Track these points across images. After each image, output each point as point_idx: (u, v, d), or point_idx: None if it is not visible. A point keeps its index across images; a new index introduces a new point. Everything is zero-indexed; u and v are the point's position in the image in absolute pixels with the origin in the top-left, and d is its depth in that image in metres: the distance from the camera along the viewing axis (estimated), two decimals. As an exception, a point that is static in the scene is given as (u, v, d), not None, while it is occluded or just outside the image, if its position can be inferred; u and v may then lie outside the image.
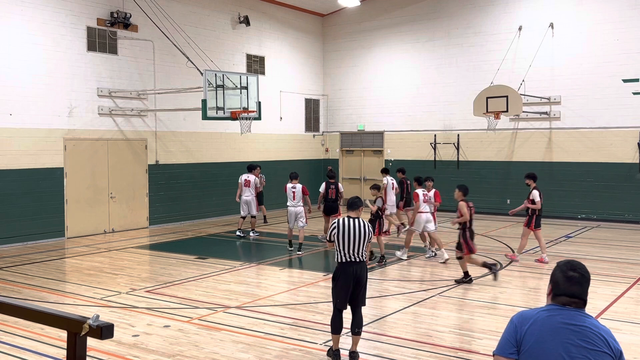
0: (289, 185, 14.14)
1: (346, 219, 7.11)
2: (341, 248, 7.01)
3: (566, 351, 3.06)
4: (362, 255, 7.07)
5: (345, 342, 7.39)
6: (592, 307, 9.06)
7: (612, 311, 9.00)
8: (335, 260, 7.16)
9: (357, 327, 7.07)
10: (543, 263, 12.39)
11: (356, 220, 7.10)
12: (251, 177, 16.27)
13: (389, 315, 8.84)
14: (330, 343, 7.21)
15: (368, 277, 7.40)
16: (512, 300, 9.58)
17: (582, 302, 3.23)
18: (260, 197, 17.17)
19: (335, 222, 7.15)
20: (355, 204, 7.26)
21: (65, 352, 2.85)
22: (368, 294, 10.34)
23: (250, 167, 16.72)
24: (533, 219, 12.68)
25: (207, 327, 8.24)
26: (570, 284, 3.21)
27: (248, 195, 16.13)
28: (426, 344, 7.53)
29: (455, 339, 7.77)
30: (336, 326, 7.02)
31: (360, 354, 7.13)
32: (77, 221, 16.08)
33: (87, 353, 2.88)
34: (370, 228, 7.18)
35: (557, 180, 19.46)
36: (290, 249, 14.14)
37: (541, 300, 9.21)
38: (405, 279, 11.34)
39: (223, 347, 7.45)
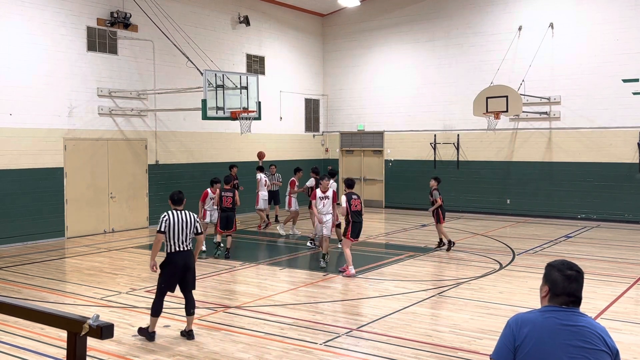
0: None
1: (174, 212, 7.77)
2: (170, 238, 7.67)
3: (566, 352, 3.06)
4: (190, 245, 7.81)
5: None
6: (592, 307, 9.06)
7: (612, 311, 9.00)
8: (165, 250, 7.75)
9: (191, 308, 7.77)
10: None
11: (183, 212, 7.81)
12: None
13: (389, 315, 8.83)
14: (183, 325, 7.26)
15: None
16: (512, 300, 9.58)
17: (579, 300, 3.23)
18: (276, 197, 17.96)
19: (165, 215, 7.73)
20: (180, 199, 7.95)
21: (65, 352, 2.85)
22: (368, 292, 10.34)
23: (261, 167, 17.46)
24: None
25: (207, 327, 8.25)
26: (569, 282, 3.21)
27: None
28: (426, 344, 7.52)
29: (455, 339, 7.76)
30: (157, 309, 7.68)
31: (359, 354, 7.14)
32: (77, 221, 16.08)
33: (87, 353, 2.88)
34: (197, 218, 7.88)
35: (557, 180, 19.47)
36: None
37: (541, 300, 9.19)
38: (405, 279, 11.34)
39: (223, 347, 7.45)
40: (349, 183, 11.89)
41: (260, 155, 17.16)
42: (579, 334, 3.09)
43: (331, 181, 13.20)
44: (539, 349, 3.10)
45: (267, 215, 17.74)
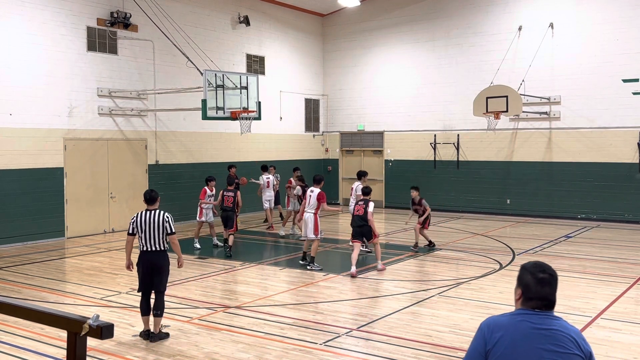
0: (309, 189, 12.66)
1: (144, 212, 7.75)
2: (140, 238, 7.71)
3: (538, 356, 3.03)
4: (160, 245, 7.70)
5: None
6: (592, 307, 9.07)
7: (612, 311, 8.99)
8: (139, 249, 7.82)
9: (157, 310, 7.71)
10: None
11: (153, 212, 7.73)
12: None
13: (389, 315, 8.84)
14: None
15: (169, 265, 7.89)
16: (512, 300, 9.54)
17: (552, 303, 3.17)
18: (276, 197, 18.15)
19: (133, 217, 7.79)
20: (152, 199, 7.83)
21: (65, 352, 2.85)
22: (367, 292, 10.33)
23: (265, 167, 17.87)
24: None
25: (207, 327, 8.25)
26: (541, 286, 3.14)
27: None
28: (426, 344, 7.53)
29: (455, 339, 7.76)
30: (143, 309, 7.78)
31: (359, 354, 7.15)
32: (77, 221, 16.08)
33: (87, 353, 2.88)
34: (167, 218, 7.67)
35: (557, 180, 19.46)
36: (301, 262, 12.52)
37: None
38: (405, 279, 11.34)
39: (223, 347, 7.45)
40: (364, 191, 12.15)
41: (242, 181, 16.96)
42: (552, 338, 3.06)
43: (357, 183, 14.19)
44: (511, 353, 3.06)
45: (280, 215, 18.10)
